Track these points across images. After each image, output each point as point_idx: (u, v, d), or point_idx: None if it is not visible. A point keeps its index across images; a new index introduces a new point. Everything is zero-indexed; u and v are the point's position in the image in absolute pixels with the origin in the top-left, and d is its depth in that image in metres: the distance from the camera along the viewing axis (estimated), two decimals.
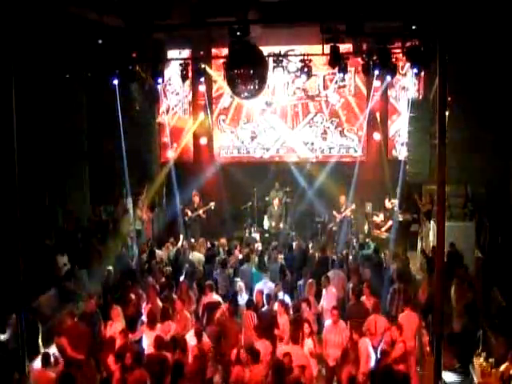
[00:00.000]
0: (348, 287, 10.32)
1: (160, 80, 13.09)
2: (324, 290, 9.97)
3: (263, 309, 9.33)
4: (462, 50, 11.53)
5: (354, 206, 14.42)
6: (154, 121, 16.56)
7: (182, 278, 11.11)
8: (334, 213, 14.54)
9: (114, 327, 8.71)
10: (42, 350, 8.14)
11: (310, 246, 13.42)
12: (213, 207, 14.89)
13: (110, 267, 11.54)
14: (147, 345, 8.34)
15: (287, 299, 9.75)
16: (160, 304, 9.39)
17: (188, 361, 7.65)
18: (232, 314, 8.99)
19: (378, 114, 15.60)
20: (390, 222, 13.93)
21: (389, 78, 13.39)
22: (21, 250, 8.09)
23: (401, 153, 15.51)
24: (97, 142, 15.56)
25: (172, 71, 16.01)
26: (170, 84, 16.49)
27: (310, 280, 10.05)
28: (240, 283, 10.42)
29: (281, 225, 14.96)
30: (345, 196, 14.51)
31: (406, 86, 15.36)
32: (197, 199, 15.00)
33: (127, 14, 11.07)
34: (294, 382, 7.02)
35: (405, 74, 15.18)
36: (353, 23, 10.15)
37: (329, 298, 9.79)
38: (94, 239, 13.45)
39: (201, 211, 14.82)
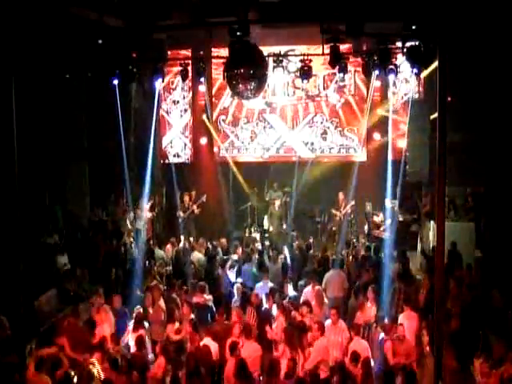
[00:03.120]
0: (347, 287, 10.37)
1: (160, 80, 13.08)
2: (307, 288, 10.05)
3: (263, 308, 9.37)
4: (463, 50, 11.52)
5: (353, 202, 14.43)
6: (153, 121, 16.54)
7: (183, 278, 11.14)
8: (334, 211, 14.56)
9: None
10: (39, 353, 8.14)
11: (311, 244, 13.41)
12: (204, 200, 14.85)
13: None
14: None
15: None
16: (163, 305, 9.43)
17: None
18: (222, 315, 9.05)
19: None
20: (387, 221, 13.94)
21: (389, 78, 13.37)
22: (21, 250, 8.09)
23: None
24: (97, 142, 15.55)
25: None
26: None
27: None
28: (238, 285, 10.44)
29: (282, 225, 14.96)
30: (343, 193, 14.53)
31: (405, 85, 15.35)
32: (187, 199, 14.99)
33: (127, 14, 11.07)
34: None
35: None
36: (353, 23, 10.13)
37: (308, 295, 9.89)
38: (95, 239, 13.45)
39: (194, 206, 14.80)
